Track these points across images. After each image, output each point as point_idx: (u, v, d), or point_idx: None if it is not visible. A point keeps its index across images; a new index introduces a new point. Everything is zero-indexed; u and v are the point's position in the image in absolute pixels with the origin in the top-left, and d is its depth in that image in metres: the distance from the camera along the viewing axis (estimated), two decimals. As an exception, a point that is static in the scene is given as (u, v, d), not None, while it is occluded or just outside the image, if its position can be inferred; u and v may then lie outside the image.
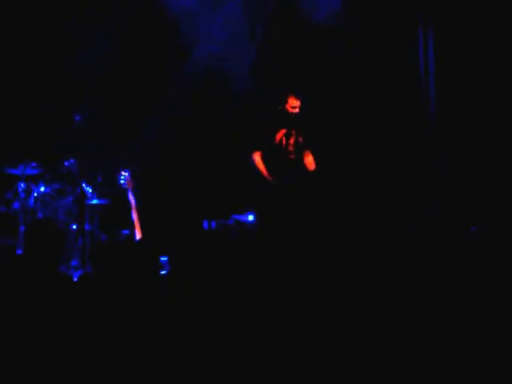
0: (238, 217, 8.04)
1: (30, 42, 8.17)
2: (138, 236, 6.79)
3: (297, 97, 7.25)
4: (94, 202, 7.65)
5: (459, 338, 3.84)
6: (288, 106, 7.23)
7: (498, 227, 7.05)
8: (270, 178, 7.22)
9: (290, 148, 7.32)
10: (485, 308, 4.18)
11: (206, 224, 8.08)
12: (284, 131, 7.30)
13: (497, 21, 7.94)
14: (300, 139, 7.34)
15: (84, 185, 7.52)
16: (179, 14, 8.46)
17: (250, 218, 7.92)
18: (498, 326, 3.94)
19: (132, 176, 7.06)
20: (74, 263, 7.27)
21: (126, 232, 7.37)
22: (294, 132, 7.30)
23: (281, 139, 7.31)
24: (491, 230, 6.93)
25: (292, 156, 7.33)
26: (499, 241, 6.36)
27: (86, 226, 7.53)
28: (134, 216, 6.84)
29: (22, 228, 7.55)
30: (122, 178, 7.00)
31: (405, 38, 8.56)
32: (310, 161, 7.37)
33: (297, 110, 7.22)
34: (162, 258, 5.33)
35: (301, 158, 7.35)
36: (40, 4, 8.30)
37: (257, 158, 7.30)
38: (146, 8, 8.48)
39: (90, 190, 7.64)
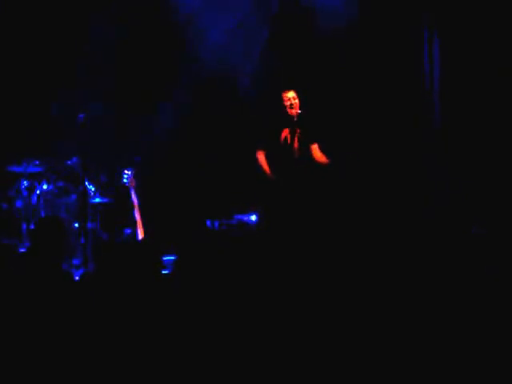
0: (240, 217, 8.02)
1: (31, 40, 8.16)
2: (141, 235, 6.78)
3: (288, 89, 7.25)
4: (97, 200, 7.64)
5: (460, 339, 3.83)
6: (284, 101, 7.23)
7: (500, 228, 7.04)
8: (273, 178, 7.21)
9: (295, 147, 7.31)
10: (485, 309, 4.16)
11: (208, 224, 8.07)
12: (288, 130, 7.29)
13: (503, 22, 7.92)
14: (304, 137, 7.32)
15: (87, 183, 7.50)
16: (186, 12, 8.45)
17: (253, 218, 7.90)
18: (499, 327, 3.93)
19: (135, 175, 7.04)
20: (75, 262, 7.26)
21: (129, 231, 7.36)
22: (298, 130, 7.29)
23: (285, 138, 7.30)
24: (492, 230, 6.91)
25: (296, 155, 7.32)
26: (501, 242, 6.34)
27: (89, 225, 7.51)
28: (137, 215, 6.82)
29: (24, 226, 7.55)
30: (125, 176, 6.98)
31: (409, 40, 8.54)
32: (319, 155, 7.36)
33: (294, 102, 7.19)
34: (164, 258, 5.30)
35: (306, 156, 7.33)
36: (45, 3, 8.30)
37: (260, 157, 7.29)
38: (151, 6, 8.47)
39: (93, 189, 7.63)
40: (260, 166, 7.28)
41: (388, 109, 8.41)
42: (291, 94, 7.22)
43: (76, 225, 7.57)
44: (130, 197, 6.89)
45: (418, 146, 8.44)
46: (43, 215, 7.65)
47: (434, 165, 8.38)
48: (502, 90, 7.95)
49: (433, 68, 8.46)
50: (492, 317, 4.04)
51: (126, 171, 6.98)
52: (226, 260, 4.18)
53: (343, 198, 7.95)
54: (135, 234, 6.82)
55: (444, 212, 7.98)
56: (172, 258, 5.08)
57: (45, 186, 7.73)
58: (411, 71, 8.51)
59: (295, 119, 7.21)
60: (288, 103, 7.21)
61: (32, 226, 7.44)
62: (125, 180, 6.96)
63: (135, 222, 6.82)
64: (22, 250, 6.87)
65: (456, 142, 8.24)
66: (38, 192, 7.69)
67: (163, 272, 4.31)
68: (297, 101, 7.21)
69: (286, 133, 7.30)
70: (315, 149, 7.37)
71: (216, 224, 8.00)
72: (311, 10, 8.51)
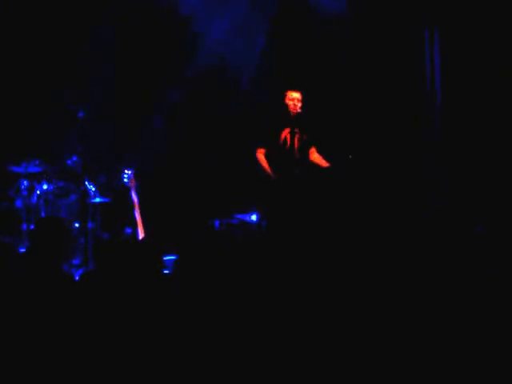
0: (241, 216, 8.01)
1: (31, 40, 8.16)
2: (141, 235, 6.77)
3: (294, 89, 7.23)
4: (97, 200, 7.63)
5: (460, 339, 3.83)
6: (287, 100, 7.21)
7: (500, 228, 7.03)
8: (273, 177, 7.21)
9: (295, 147, 7.31)
10: (485, 309, 4.16)
11: (209, 223, 8.07)
12: (288, 130, 7.29)
13: (503, 21, 7.91)
14: (304, 137, 7.33)
15: (87, 183, 7.50)
16: (185, 12, 8.45)
17: (254, 217, 7.90)
18: (499, 327, 3.93)
19: (135, 174, 7.04)
20: (75, 262, 7.26)
21: (129, 231, 7.35)
22: (297, 130, 7.29)
23: (285, 138, 7.30)
24: (492, 231, 6.91)
25: (296, 155, 7.32)
26: (501, 242, 6.33)
27: (89, 225, 7.51)
28: (137, 215, 6.82)
29: (24, 226, 7.55)
30: (125, 176, 6.98)
31: (410, 39, 8.54)
32: (319, 158, 7.36)
33: (297, 104, 7.18)
34: (165, 258, 5.31)
35: (305, 157, 7.34)
36: (45, 3, 8.30)
37: (260, 156, 7.29)
38: (151, 6, 8.47)
39: (93, 189, 7.62)
40: (260, 165, 7.27)
41: (388, 109, 8.41)
42: (297, 95, 7.19)
43: (76, 225, 7.57)
44: (130, 196, 6.88)
45: (418, 146, 8.43)
46: (43, 215, 7.64)
47: (434, 165, 8.38)
48: (503, 90, 7.95)
49: (433, 68, 8.46)
50: (492, 317, 4.04)
51: (126, 171, 6.97)
52: (226, 260, 4.18)
53: (343, 198, 7.94)
54: (135, 233, 6.81)
55: (443, 213, 7.97)
56: (172, 257, 5.08)
57: (45, 186, 7.72)
58: (412, 71, 8.51)
59: (293, 118, 7.21)
60: (291, 103, 7.19)
61: (32, 226, 7.43)
62: (125, 180, 6.95)
63: (135, 222, 6.82)
64: (22, 250, 6.86)
65: (456, 143, 8.24)
66: (38, 192, 7.68)
67: (164, 272, 4.30)
68: (300, 104, 7.19)
69: (285, 133, 7.30)
70: (313, 152, 7.38)
71: (216, 224, 8.00)
72: (311, 10, 8.51)
